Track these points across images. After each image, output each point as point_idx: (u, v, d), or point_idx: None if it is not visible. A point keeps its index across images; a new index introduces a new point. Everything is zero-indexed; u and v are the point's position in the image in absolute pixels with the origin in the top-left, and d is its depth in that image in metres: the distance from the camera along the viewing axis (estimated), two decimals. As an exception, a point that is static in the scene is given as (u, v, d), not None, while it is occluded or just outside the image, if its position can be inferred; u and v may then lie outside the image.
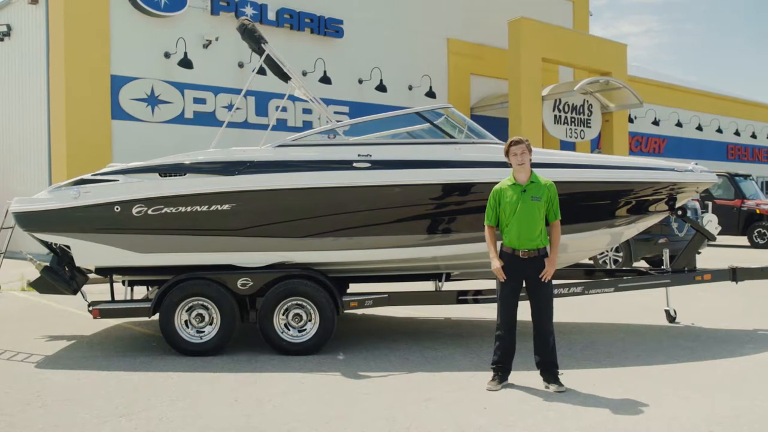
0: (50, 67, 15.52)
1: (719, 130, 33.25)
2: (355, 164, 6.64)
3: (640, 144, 29.55)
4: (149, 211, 6.53)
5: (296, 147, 6.88)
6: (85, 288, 7.32)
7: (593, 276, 8.58)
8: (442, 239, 6.88)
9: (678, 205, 7.69)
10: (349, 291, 7.89)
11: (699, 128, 31.92)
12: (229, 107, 17.03)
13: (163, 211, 6.54)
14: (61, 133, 15.10)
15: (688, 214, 7.95)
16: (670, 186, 7.41)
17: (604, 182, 7.12)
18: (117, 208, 6.54)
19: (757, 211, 19.20)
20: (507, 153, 5.51)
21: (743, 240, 19.81)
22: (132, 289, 7.50)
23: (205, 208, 6.54)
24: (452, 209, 6.82)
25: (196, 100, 16.60)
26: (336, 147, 6.85)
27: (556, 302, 8.37)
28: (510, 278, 5.48)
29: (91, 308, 6.74)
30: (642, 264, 13.30)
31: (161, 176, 6.67)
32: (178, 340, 6.61)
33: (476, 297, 7.18)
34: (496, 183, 5.68)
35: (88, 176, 6.79)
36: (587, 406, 4.99)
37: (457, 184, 6.70)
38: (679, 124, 30.81)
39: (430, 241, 6.87)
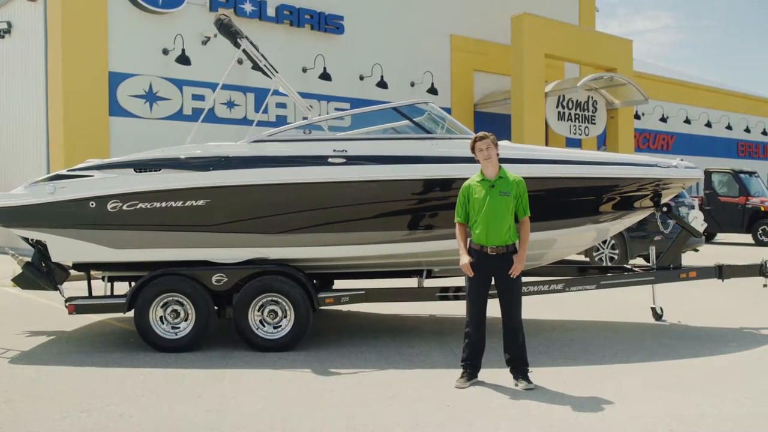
0: (48, 63, 15.61)
1: (729, 127, 32.91)
2: (330, 159, 6.60)
3: (648, 141, 29.31)
4: (124, 207, 6.52)
5: (271, 142, 6.84)
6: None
7: (586, 273, 8.50)
8: (420, 235, 6.82)
9: (663, 201, 7.60)
10: (334, 287, 7.89)
11: (708, 125, 31.56)
12: (229, 103, 17.07)
13: (137, 206, 6.53)
14: (59, 129, 15.18)
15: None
16: (655, 182, 7.32)
17: (586, 178, 7.04)
18: (92, 204, 6.53)
19: (762, 209, 18.99)
20: (473, 149, 5.46)
21: (747, 237, 19.60)
22: (112, 285, 7.48)
23: (179, 203, 6.53)
24: (429, 205, 6.76)
25: (195, 97, 16.63)
26: (311, 142, 6.82)
27: (544, 299, 8.34)
28: (478, 275, 5.42)
29: (67, 304, 6.75)
30: (639, 261, 13.17)
31: (136, 172, 6.64)
32: (153, 337, 6.60)
33: (457, 294, 7.11)
34: None
35: (63, 172, 6.80)
36: (552, 404, 4.92)
37: (434, 179, 6.63)
38: (687, 121, 30.51)
39: (408, 238, 6.82)
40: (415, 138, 6.99)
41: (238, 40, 7.24)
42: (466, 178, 5.74)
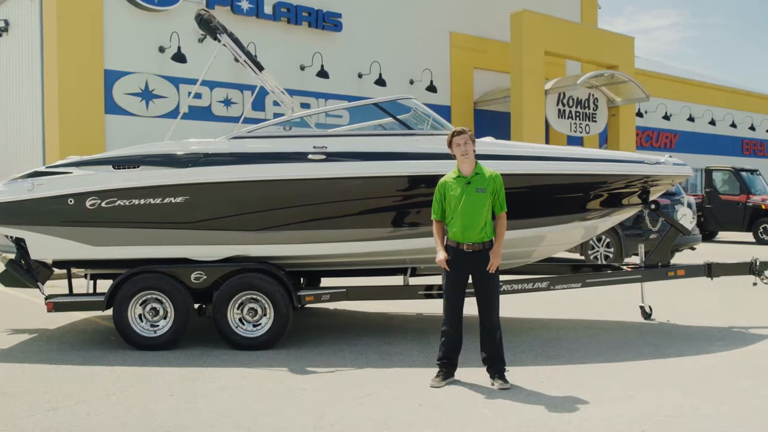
0: (44, 61, 15.57)
1: (733, 125, 32.57)
2: (310, 156, 6.53)
3: (651, 139, 29.04)
4: (103, 204, 6.47)
5: (251, 139, 6.77)
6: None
7: (580, 271, 8.40)
8: (403, 233, 6.74)
9: (652, 198, 7.50)
10: (321, 285, 7.84)
11: (712, 123, 31.22)
12: (225, 101, 17.01)
13: (116, 203, 6.48)
14: (54, 127, 15.14)
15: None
16: (642, 179, 7.22)
17: (572, 174, 6.95)
18: (70, 201, 6.49)
19: (763, 207, 18.78)
20: (450, 144, 5.37)
21: (748, 236, 19.42)
22: (95, 283, 7.41)
23: (158, 200, 6.47)
24: (412, 202, 6.67)
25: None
26: (291, 139, 6.74)
27: (535, 299, 8.24)
28: (455, 272, 5.35)
29: (46, 301, 6.70)
30: (635, 260, 13.05)
31: (115, 168, 6.59)
32: (132, 335, 6.54)
33: (441, 292, 6.98)
34: None
35: (42, 168, 6.76)
36: (526, 404, 4.83)
37: (415, 176, 6.55)
38: (691, 119, 30.24)
39: (391, 235, 6.74)
40: (396, 134, 6.91)
41: (218, 35, 7.18)
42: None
